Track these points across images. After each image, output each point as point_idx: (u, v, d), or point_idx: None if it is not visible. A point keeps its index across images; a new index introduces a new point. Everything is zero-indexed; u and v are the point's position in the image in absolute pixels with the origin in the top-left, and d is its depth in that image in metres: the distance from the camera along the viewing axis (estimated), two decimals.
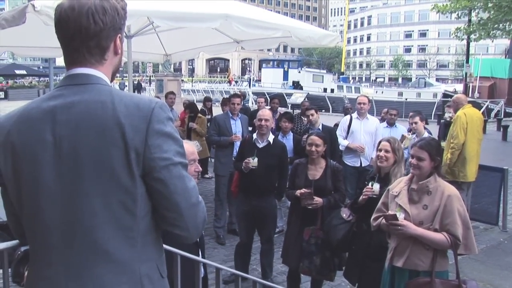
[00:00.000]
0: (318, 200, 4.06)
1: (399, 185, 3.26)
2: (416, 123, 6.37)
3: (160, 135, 1.37)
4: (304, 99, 25.41)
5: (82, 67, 1.42)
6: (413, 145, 3.27)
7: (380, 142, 3.93)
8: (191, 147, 2.71)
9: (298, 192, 4.10)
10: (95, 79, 1.42)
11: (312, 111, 6.60)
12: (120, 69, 1.63)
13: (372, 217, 3.36)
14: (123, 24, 1.48)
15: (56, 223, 1.37)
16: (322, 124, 6.65)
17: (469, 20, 19.60)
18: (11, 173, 1.40)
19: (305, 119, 7.17)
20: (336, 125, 7.28)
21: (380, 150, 3.78)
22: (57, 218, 1.36)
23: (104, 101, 1.36)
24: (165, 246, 2.42)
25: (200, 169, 2.82)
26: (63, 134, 1.35)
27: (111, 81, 1.54)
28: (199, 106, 10.07)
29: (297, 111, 18.90)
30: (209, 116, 10.09)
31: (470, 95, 26.54)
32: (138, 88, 35.29)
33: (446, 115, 7.76)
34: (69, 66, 1.44)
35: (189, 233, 1.47)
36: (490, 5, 16.47)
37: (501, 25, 17.48)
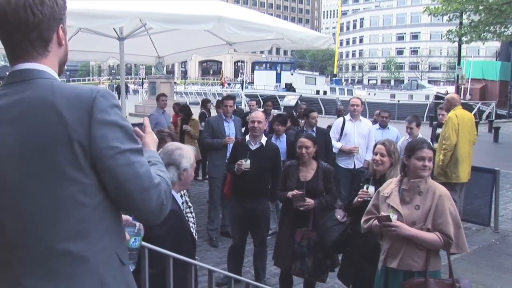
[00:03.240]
0: (309, 201, 4.05)
1: (389, 186, 3.26)
2: (412, 128, 6.48)
3: (104, 124, 1.35)
4: (297, 101, 25.46)
5: (25, 62, 1.41)
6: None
7: (375, 145, 3.93)
8: (192, 152, 2.77)
9: (289, 193, 4.09)
10: (37, 73, 1.40)
11: (316, 113, 6.76)
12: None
13: (363, 219, 3.36)
14: (63, 14, 1.47)
15: (8, 222, 1.37)
16: (317, 126, 6.68)
17: (461, 23, 19.73)
18: None
19: (302, 121, 7.20)
20: (329, 127, 7.30)
21: (376, 154, 3.77)
22: (10, 217, 1.37)
23: (45, 96, 1.34)
24: (158, 248, 2.43)
25: (193, 174, 2.85)
26: (8, 133, 1.34)
27: (60, 73, 1.52)
28: (198, 109, 9.95)
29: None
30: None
31: (462, 97, 26.64)
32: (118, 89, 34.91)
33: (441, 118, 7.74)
34: (12, 62, 1.44)
35: (146, 216, 1.47)
36: (481, 7, 16.61)
37: (491, 27, 17.65)
